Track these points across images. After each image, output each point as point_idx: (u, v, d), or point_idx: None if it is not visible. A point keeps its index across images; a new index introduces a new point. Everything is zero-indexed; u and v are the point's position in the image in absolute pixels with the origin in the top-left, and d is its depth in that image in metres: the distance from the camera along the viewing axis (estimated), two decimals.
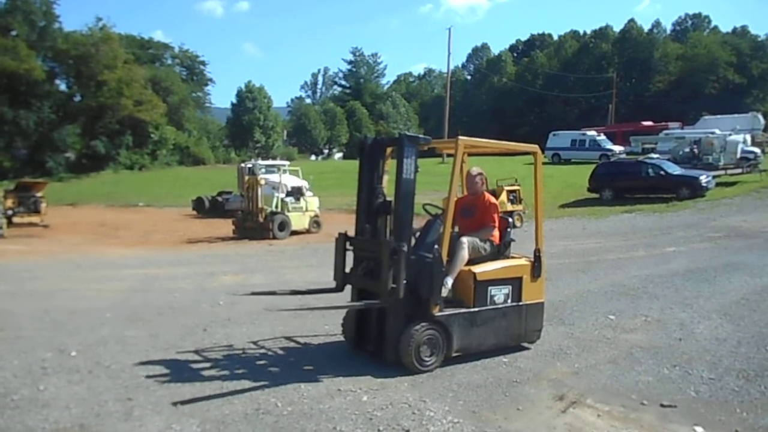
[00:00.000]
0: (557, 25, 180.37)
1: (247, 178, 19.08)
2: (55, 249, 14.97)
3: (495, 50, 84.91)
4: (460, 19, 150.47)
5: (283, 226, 17.35)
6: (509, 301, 5.74)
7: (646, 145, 32.74)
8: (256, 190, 17.31)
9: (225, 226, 18.63)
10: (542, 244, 6.06)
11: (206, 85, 69.89)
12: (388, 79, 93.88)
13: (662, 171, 22.32)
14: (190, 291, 9.17)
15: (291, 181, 20.81)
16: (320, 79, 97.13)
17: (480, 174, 5.99)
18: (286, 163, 27.58)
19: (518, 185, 19.94)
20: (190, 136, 56.95)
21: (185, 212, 25.38)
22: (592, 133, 38.55)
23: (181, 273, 11.03)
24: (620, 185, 22.89)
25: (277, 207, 17.94)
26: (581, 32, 76.53)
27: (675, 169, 22.68)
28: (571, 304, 7.99)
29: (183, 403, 4.49)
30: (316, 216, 19.18)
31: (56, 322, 7.00)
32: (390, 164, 5.81)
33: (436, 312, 5.26)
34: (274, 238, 16.86)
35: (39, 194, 20.40)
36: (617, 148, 36.19)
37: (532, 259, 5.96)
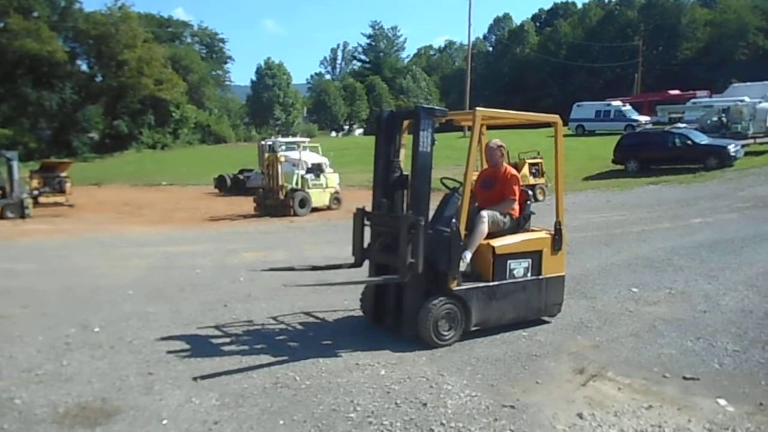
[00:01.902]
0: None
1: (267, 155, 19.09)
2: (79, 228, 15.21)
3: (517, 20, 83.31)
4: None
5: (304, 203, 17.38)
6: (529, 274, 5.66)
7: (673, 115, 31.98)
8: (276, 167, 17.33)
9: (246, 204, 18.74)
10: (563, 217, 5.95)
11: (225, 62, 69.98)
12: (408, 53, 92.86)
13: (689, 141, 21.81)
14: (211, 268, 9.25)
15: (311, 158, 20.78)
16: (339, 54, 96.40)
17: (500, 146, 5.89)
18: (306, 140, 27.54)
19: (540, 158, 19.67)
20: (210, 114, 57.23)
21: (207, 190, 25.58)
22: (617, 103, 37.67)
23: (202, 250, 11.13)
24: (646, 156, 22.43)
25: (297, 184, 17.97)
26: (606, 0, 74.62)
27: (702, 139, 22.14)
28: (593, 277, 7.88)
29: (202, 377, 4.53)
30: (337, 193, 19.17)
31: (80, 299, 7.12)
32: (407, 138, 5.73)
33: (455, 286, 5.21)
34: (295, 215, 16.92)
35: (64, 174, 20.70)
36: (643, 119, 35.42)
37: (553, 232, 5.86)
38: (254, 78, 64.94)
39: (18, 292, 7.54)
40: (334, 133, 69.43)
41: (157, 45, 50.31)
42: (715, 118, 25.85)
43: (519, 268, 5.60)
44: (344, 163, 26.40)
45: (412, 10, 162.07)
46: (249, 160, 28.75)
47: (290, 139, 28.49)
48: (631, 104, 38.91)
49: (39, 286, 7.86)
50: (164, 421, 3.84)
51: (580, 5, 77.42)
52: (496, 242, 5.49)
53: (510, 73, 73.09)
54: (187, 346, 5.32)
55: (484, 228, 5.42)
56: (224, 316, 6.33)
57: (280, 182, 17.34)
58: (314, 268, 6.23)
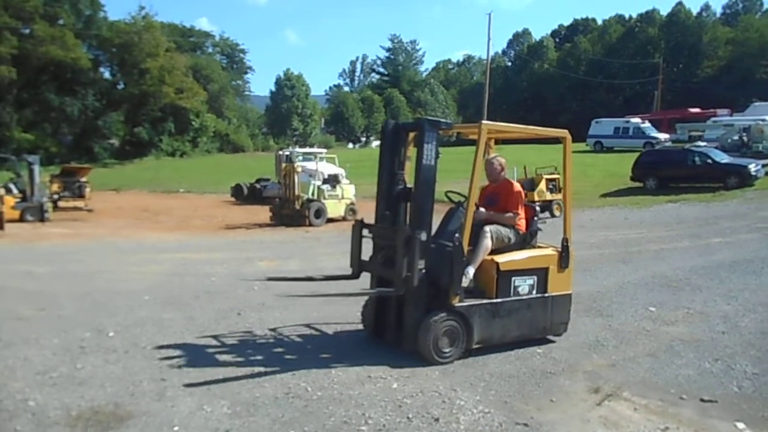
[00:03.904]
0: (601, 9, 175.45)
1: (284, 165, 19.20)
2: (98, 232, 15.37)
3: (536, 36, 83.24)
4: (505, 3, 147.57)
5: (319, 213, 17.43)
6: (534, 292, 5.55)
7: (693, 133, 31.74)
8: (293, 177, 17.43)
9: (262, 213, 18.83)
10: (570, 233, 5.81)
11: (246, 73, 70.74)
12: (427, 66, 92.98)
13: (709, 159, 21.56)
14: (226, 275, 9.29)
15: (327, 168, 20.87)
16: (358, 66, 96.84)
17: (500, 162, 5.81)
18: (323, 150, 27.67)
19: (558, 174, 19.56)
20: (229, 123, 57.75)
21: (224, 198, 25.76)
22: (636, 120, 37.40)
23: (218, 258, 11.19)
24: (665, 174, 22.19)
25: (313, 194, 18.03)
26: (626, 16, 74.43)
27: (723, 158, 21.88)
28: (610, 295, 7.79)
29: (214, 384, 4.53)
30: (352, 204, 19.19)
31: (96, 303, 7.17)
32: (412, 150, 5.65)
33: (456, 302, 5.13)
34: (311, 225, 16.96)
35: (83, 179, 20.95)
36: (662, 136, 35.10)
37: (560, 249, 5.74)
38: (273, 88, 65.54)
39: (35, 294, 7.62)
40: (351, 145, 69.65)
41: (179, 54, 51.01)
42: (735, 137, 25.58)
43: (524, 285, 5.50)
44: (360, 174, 26.42)
45: (432, 24, 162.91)
46: (266, 169, 28.91)
47: (307, 149, 28.66)
48: (650, 121, 38.59)
49: (56, 290, 7.94)
50: (175, 428, 3.85)
51: (600, 22, 77.28)
52: (501, 258, 5.40)
53: (528, 88, 73.00)
54: (200, 354, 5.34)
55: (488, 243, 5.35)
56: (238, 324, 6.35)
57: (296, 192, 17.42)
58: (311, 279, 6.18)
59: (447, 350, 5.13)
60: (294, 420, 4.01)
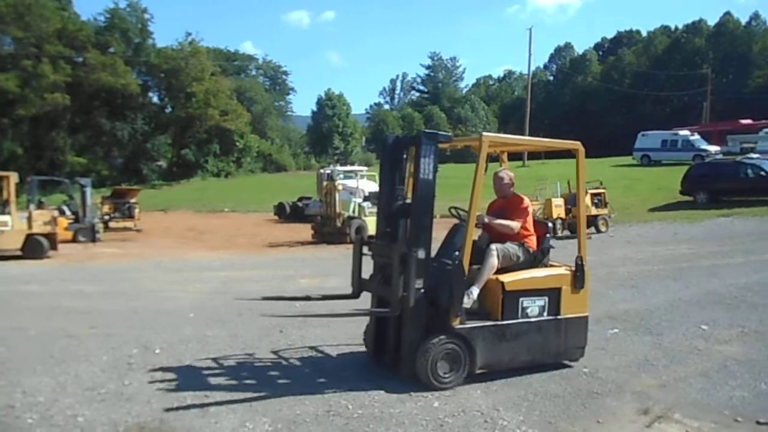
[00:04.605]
0: (646, 21, 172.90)
1: (325, 183, 19.41)
2: (146, 252, 15.79)
3: (579, 49, 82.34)
4: (548, 18, 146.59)
5: (360, 230, 17.46)
6: (545, 314, 5.22)
7: (745, 145, 30.65)
8: (334, 195, 17.58)
9: (304, 231, 19.03)
10: (585, 251, 5.45)
11: (288, 94, 72.32)
12: (467, 82, 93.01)
13: (763, 171, 20.81)
14: (268, 293, 9.37)
15: (368, 186, 20.99)
16: (398, 84, 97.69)
17: (508, 174, 5.59)
18: (364, 168, 27.87)
19: (603, 188, 19.17)
20: (272, 143, 58.87)
21: (267, 217, 26.15)
22: (684, 132, 36.39)
23: (261, 275, 11.33)
24: (716, 187, 21.51)
25: (354, 212, 18.12)
26: (672, 27, 72.90)
27: None
28: (660, 312, 7.55)
29: (256, 401, 4.56)
30: None
31: (143, 321, 7.35)
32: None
33: (457, 324, 4.87)
34: (351, 242, 16.99)
35: (133, 200, 21.65)
36: (713, 148, 34.07)
37: (573, 269, 5.39)
38: (315, 108, 66.59)
39: (86, 312, 7.86)
40: None
41: (223, 78, 52.44)
42: None
43: (533, 306, 5.18)
44: None
45: (472, 41, 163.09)
46: (308, 188, 29.28)
47: (348, 167, 28.91)
48: (699, 133, 37.53)
49: (106, 308, 8.17)
50: None
51: (645, 33, 76.04)
52: (506, 278, 5.10)
53: (571, 102, 72.09)
54: (242, 371, 5.40)
55: (494, 261, 5.09)
56: (280, 342, 6.40)
57: (337, 210, 17.55)
58: (308, 299, 5.97)
59: (446, 375, 4.86)
60: None
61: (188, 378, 5.19)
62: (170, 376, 5.25)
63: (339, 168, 27.14)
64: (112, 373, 5.30)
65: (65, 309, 8.07)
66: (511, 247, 5.26)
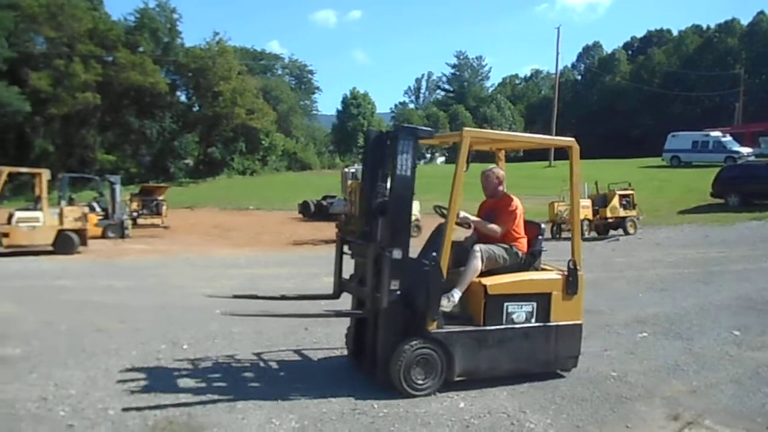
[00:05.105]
0: (677, 20, 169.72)
1: (350, 182, 19.43)
2: (173, 248, 16.02)
3: (608, 48, 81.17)
4: (577, 17, 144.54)
5: None
6: (533, 320, 4.96)
7: None
8: (358, 194, 17.59)
9: (329, 229, 19.07)
10: (579, 255, 5.14)
11: (313, 93, 72.60)
12: (493, 81, 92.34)
13: None
14: (293, 290, 9.42)
15: None
16: (423, 83, 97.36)
17: (497, 175, 5.35)
18: None
19: (632, 189, 18.88)
20: (297, 142, 59.26)
21: (292, 215, 26.31)
22: (716, 133, 35.62)
23: (285, 273, 11.41)
24: (748, 190, 21.03)
25: None
26: (704, 27, 71.49)
27: None
28: (690, 317, 7.41)
29: (283, 398, 4.59)
30: (417, 220, 19.13)
31: (171, 317, 7.45)
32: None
33: (433, 328, 4.66)
34: None
35: (160, 198, 21.97)
36: (745, 150, 33.32)
37: (566, 273, 5.10)
38: (340, 107, 66.80)
39: (116, 307, 7.99)
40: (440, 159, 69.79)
41: (250, 77, 52.99)
42: None
43: (519, 312, 4.91)
44: (425, 190, 26.28)
45: (499, 40, 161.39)
46: (332, 186, 29.34)
47: None
48: (731, 135, 36.73)
49: (135, 303, 8.30)
50: None
51: (675, 33, 74.60)
52: (490, 280, 4.85)
53: (599, 101, 71.12)
54: (268, 367, 5.44)
55: (477, 264, 4.85)
56: (305, 339, 6.43)
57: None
58: (283, 298, 5.83)
59: (421, 381, 4.65)
60: None
61: (215, 374, 5.24)
62: (198, 371, 5.32)
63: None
64: (142, 367, 5.38)
65: (95, 304, 8.22)
66: (497, 249, 5.03)
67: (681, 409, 4.53)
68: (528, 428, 4.16)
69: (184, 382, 5.01)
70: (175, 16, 49.91)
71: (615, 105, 67.69)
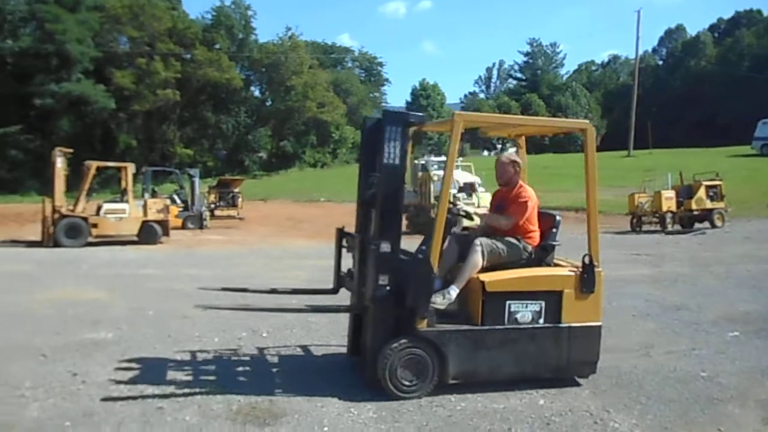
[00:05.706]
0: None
1: (419, 174, 19.42)
2: (248, 239, 16.52)
3: (692, 31, 77.10)
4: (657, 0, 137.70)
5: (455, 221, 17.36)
6: (541, 321, 4.56)
7: None
8: (428, 186, 17.56)
9: None
10: (596, 250, 4.66)
11: (383, 85, 72.74)
12: (568, 69, 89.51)
13: None
14: None
15: (463, 177, 20.72)
16: (494, 73, 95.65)
17: (514, 161, 4.98)
18: (459, 159, 27.57)
19: (719, 180, 17.89)
20: None
21: None
22: None
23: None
24: None
25: None
26: None
27: None
28: None
29: (360, 388, 4.62)
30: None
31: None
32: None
33: (423, 327, 4.39)
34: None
35: (236, 190, 22.70)
36: None
37: (580, 269, 4.65)
38: (409, 99, 66.82)
39: (198, 295, 8.28)
40: (486, 152, 68.88)
41: (321, 70, 53.83)
42: None
43: (525, 311, 4.53)
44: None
45: (574, 25, 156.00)
46: None
47: (442, 158, 28.71)
48: None
49: (216, 292, 8.57)
50: (325, 429, 3.97)
51: (766, 13, 69.92)
52: (489, 276, 4.50)
53: (682, 87, 67.58)
54: (345, 356, 5.49)
55: (478, 259, 4.53)
56: None
57: (431, 201, 17.51)
58: (274, 292, 5.69)
59: (408, 383, 4.39)
60: (437, 429, 3.99)
61: (294, 362, 5.38)
62: (277, 359, 5.46)
63: (433, 158, 27.01)
64: (224, 353, 5.58)
65: (179, 291, 8.57)
66: (501, 243, 4.68)
67: None
68: (612, 428, 4.02)
69: (265, 369, 5.16)
70: (250, 12, 51.48)
71: (700, 91, 64.11)
